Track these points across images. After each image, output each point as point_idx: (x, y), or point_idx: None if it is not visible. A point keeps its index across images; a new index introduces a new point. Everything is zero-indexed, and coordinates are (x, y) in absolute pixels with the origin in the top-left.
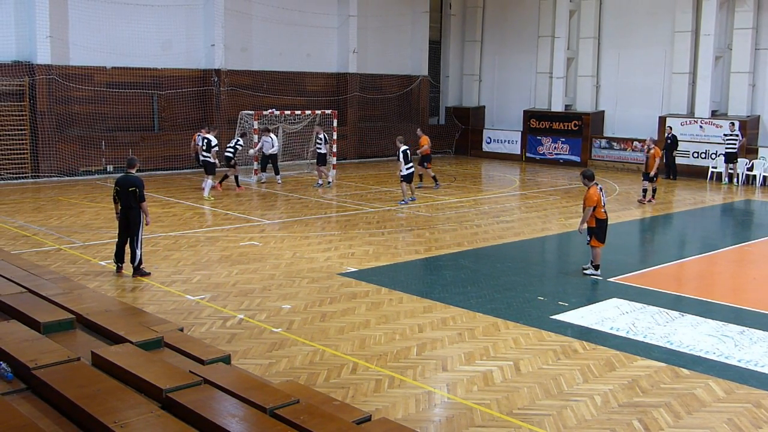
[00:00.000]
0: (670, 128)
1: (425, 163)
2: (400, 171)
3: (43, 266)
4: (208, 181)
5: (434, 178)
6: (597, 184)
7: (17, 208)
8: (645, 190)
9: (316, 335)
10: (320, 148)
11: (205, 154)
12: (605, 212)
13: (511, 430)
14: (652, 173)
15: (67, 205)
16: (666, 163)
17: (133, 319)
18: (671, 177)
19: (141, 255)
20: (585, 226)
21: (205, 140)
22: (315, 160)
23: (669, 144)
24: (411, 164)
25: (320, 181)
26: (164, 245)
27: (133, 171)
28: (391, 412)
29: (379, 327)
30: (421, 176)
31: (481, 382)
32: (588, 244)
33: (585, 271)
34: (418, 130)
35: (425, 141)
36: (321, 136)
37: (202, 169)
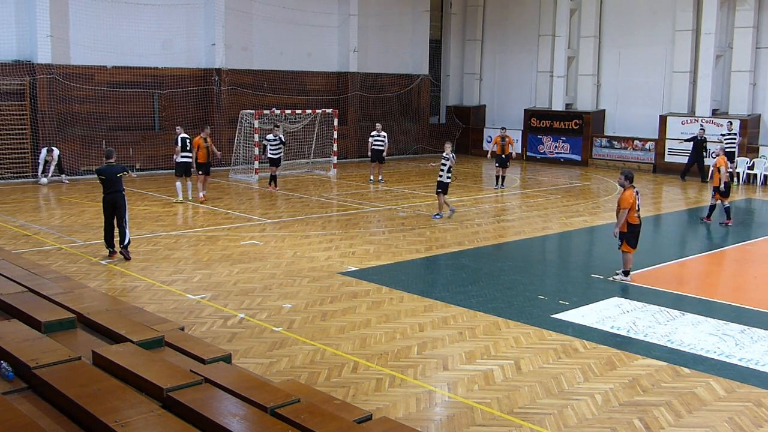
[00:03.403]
0: (703, 130)
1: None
2: (444, 178)
3: (44, 265)
4: (178, 183)
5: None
6: (634, 187)
7: (18, 208)
8: (712, 207)
9: (317, 334)
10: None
11: (185, 154)
12: (638, 217)
13: (512, 429)
14: (720, 186)
15: (68, 204)
16: (689, 164)
17: (134, 319)
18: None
19: (129, 236)
20: (618, 229)
21: (183, 139)
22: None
23: (701, 145)
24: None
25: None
26: (165, 244)
27: (112, 160)
28: (392, 411)
29: (380, 326)
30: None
31: (482, 381)
32: (619, 248)
33: (615, 277)
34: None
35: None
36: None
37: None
